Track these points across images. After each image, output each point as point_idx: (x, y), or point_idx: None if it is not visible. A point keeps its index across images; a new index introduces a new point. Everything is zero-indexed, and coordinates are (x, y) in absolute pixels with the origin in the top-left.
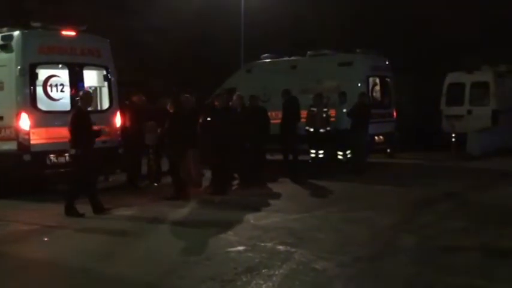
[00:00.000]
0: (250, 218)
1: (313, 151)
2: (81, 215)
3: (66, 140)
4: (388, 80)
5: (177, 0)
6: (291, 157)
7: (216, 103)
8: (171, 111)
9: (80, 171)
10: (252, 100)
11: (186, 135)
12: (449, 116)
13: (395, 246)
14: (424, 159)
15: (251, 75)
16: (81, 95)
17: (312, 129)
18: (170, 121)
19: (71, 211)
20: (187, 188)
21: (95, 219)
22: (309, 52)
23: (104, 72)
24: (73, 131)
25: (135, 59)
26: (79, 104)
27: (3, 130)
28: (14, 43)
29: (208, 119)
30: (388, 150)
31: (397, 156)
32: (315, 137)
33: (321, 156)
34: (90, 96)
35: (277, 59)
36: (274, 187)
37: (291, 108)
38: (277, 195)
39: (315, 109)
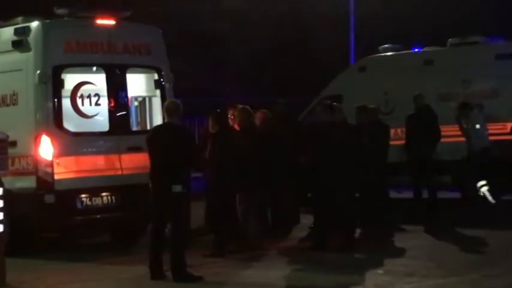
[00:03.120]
0: (370, 284)
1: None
2: (199, 279)
3: (107, 172)
4: None
5: None
6: (426, 195)
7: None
8: (212, 131)
9: (186, 215)
10: (369, 112)
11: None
12: None
13: None
14: None
15: (366, 75)
16: (165, 106)
17: None
18: (212, 147)
19: (183, 274)
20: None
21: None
22: (450, 40)
23: (155, 76)
24: (179, 159)
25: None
26: (166, 119)
27: (17, 160)
28: (31, 39)
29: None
30: None
31: None
32: None
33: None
34: (177, 105)
35: (404, 52)
36: (404, 239)
37: (421, 122)
38: (408, 251)
39: None
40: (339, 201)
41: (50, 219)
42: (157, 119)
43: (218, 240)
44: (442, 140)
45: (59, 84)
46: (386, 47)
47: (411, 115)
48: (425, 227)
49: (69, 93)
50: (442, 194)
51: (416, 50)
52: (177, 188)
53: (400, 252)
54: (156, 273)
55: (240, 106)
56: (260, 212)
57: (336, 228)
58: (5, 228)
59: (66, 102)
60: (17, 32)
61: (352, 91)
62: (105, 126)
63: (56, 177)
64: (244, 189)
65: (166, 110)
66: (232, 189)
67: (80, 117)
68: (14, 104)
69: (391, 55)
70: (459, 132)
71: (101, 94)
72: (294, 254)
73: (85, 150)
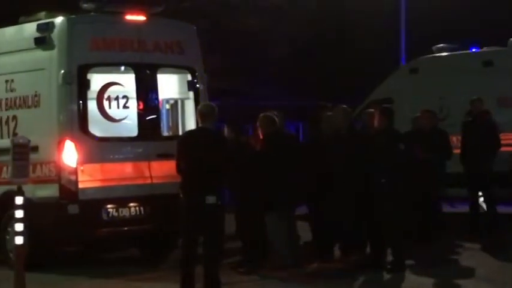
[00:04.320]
0: None
1: None
2: None
3: (136, 181)
4: None
5: None
6: (482, 209)
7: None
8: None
9: (220, 228)
10: (425, 118)
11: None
12: None
13: None
14: None
15: (418, 77)
16: (199, 109)
17: None
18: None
19: None
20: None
21: None
22: None
23: (189, 76)
24: (213, 167)
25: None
26: (200, 123)
27: (38, 167)
28: (55, 35)
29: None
30: None
31: None
32: None
33: None
34: (212, 108)
35: (461, 52)
36: (459, 258)
37: (478, 130)
38: (464, 271)
39: None
40: (384, 217)
41: (73, 231)
42: (190, 124)
43: (248, 256)
44: (502, 149)
45: (85, 85)
46: (440, 47)
47: (468, 122)
48: (482, 244)
49: (95, 95)
50: (502, 209)
51: (474, 50)
52: (211, 200)
53: (455, 272)
54: None
55: (262, 114)
56: (291, 229)
57: (382, 247)
58: (24, 240)
59: (92, 105)
60: (39, 28)
61: (402, 95)
62: (133, 131)
63: (81, 185)
64: (267, 206)
65: (200, 114)
66: (252, 206)
67: (107, 121)
68: (36, 106)
69: (446, 55)
70: None
71: (129, 96)
72: (336, 273)
73: (112, 156)
